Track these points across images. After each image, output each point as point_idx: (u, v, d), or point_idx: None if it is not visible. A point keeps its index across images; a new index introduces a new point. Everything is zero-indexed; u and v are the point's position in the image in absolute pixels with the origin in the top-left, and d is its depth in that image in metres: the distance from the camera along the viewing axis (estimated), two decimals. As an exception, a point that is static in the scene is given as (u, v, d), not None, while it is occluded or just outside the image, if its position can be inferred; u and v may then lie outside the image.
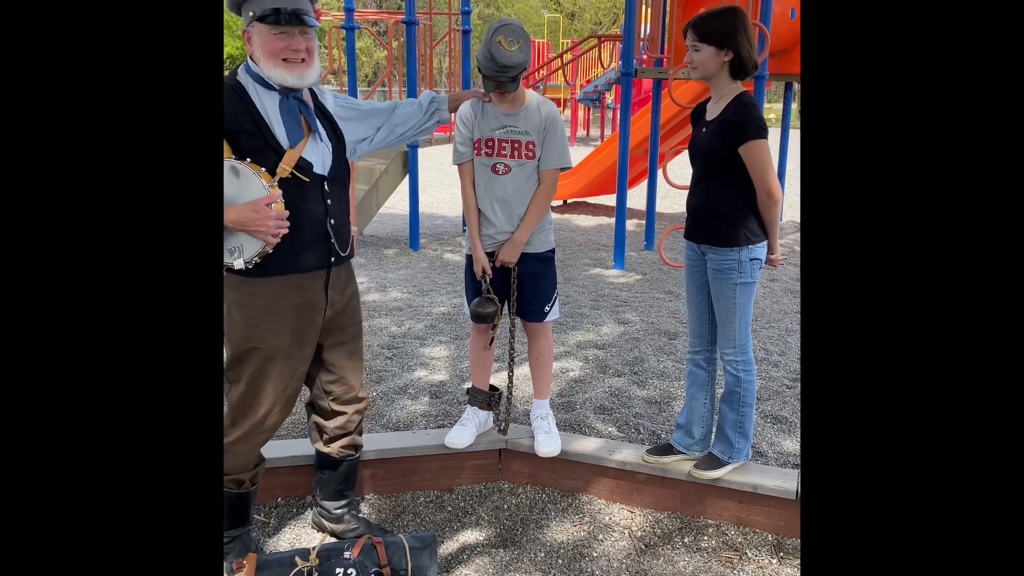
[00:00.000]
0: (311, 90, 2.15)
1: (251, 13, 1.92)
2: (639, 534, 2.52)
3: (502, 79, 2.44)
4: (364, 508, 2.66)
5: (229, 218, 1.89)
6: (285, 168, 1.97)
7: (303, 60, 1.98)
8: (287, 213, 1.96)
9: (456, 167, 2.72)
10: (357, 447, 2.41)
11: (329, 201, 2.09)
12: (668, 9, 6.36)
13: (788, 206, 8.92)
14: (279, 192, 1.94)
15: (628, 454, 2.69)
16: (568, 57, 13.73)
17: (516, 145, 2.58)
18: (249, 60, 2.01)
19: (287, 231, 1.97)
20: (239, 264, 1.95)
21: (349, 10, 6.79)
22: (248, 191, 1.91)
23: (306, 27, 1.97)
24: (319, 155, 2.06)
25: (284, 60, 1.95)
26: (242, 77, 2.00)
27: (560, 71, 13.85)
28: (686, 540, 2.49)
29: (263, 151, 1.96)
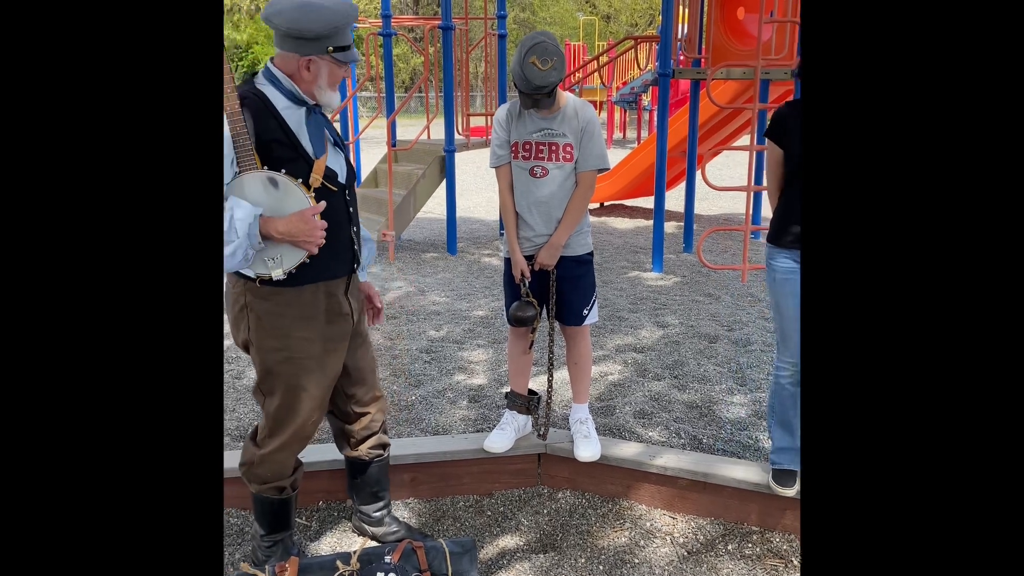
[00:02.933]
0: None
1: (330, 48, 1.98)
2: (681, 540, 2.48)
3: (537, 97, 2.45)
4: (404, 512, 2.66)
5: (278, 229, 1.91)
6: (316, 178, 2.00)
7: None
8: (326, 223, 1.99)
9: (493, 170, 2.71)
10: (385, 446, 2.42)
11: (351, 209, 2.15)
12: (705, 9, 6.29)
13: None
14: (323, 203, 1.97)
15: (669, 459, 2.65)
16: (604, 59, 13.68)
17: (554, 148, 2.57)
18: (279, 74, 2.00)
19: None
20: (277, 274, 1.97)
21: (386, 16, 6.85)
22: (290, 202, 1.94)
23: None
24: (339, 165, 2.11)
25: (336, 87, 2.09)
26: (264, 88, 2.01)
27: (596, 73, 13.80)
28: (730, 547, 2.44)
29: (295, 161, 1.98)
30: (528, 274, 2.65)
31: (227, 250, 1.86)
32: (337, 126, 7.36)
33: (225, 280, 2.11)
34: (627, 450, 2.73)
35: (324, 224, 1.96)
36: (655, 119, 16.68)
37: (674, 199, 9.21)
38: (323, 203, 1.97)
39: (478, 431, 3.08)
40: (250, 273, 1.99)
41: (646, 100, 16.41)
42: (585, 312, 2.72)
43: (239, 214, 1.86)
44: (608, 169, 2.68)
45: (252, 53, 25.42)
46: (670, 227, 7.74)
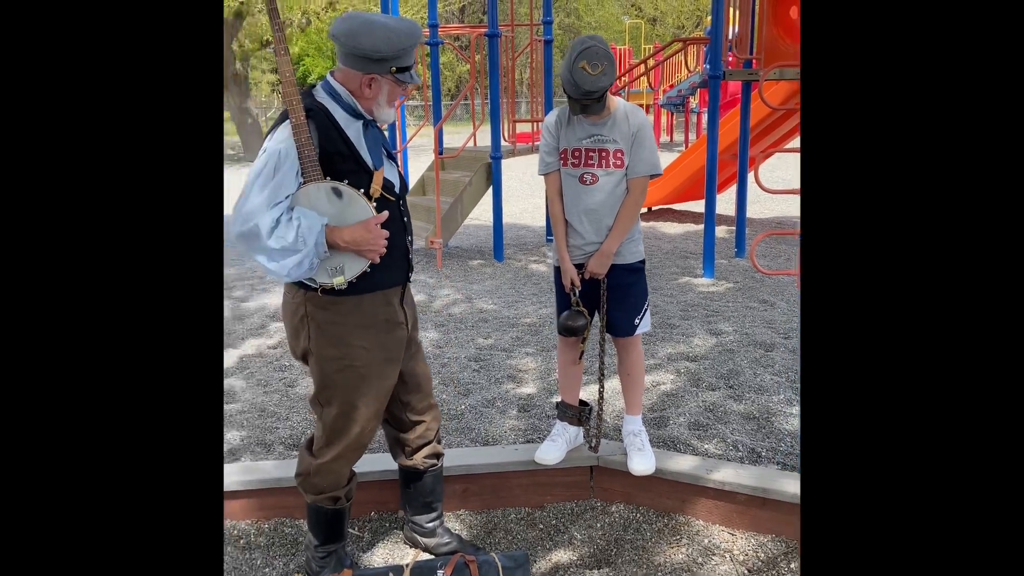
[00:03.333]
0: None
1: (393, 68, 2.00)
2: (741, 558, 2.40)
3: (587, 102, 2.40)
4: (455, 524, 2.64)
5: (344, 238, 1.93)
6: (376, 188, 2.03)
7: None
8: (388, 232, 2.01)
9: (540, 176, 2.68)
10: (439, 455, 2.41)
11: (405, 219, 2.16)
12: (757, 9, 6.16)
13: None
14: (386, 212, 2.00)
15: (727, 473, 2.57)
16: (651, 62, 13.54)
17: (604, 154, 2.52)
18: (340, 89, 2.02)
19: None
20: (340, 282, 1.99)
21: (433, 26, 6.89)
22: (354, 211, 1.96)
23: None
24: (394, 176, 2.13)
25: (395, 104, 2.12)
26: (324, 100, 2.02)
27: (644, 76, 13.67)
28: (792, 566, 2.35)
29: (357, 173, 2.01)
30: (578, 283, 2.61)
31: (294, 260, 1.89)
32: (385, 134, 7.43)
33: (284, 291, 2.13)
34: (683, 463, 2.66)
35: (386, 233, 1.99)
36: (702, 121, 16.49)
37: (724, 203, 9.04)
38: (386, 212, 2.00)
39: (528, 441, 3.04)
40: (312, 283, 2.00)
41: (693, 103, 16.18)
42: (637, 321, 2.66)
43: (306, 223, 1.89)
44: (660, 175, 2.62)
45: (303, 65, 25.91)
46: (721, 231, 7.59)
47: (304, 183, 1.93)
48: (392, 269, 2.11)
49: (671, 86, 15.80)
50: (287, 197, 1.92)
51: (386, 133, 2.23)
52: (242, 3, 11.96)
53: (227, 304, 5.26)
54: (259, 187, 1.90)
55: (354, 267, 1.99)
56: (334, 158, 1.97)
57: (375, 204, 2.00)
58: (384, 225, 2.01)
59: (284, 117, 1.95)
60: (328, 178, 1.95)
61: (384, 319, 2.11)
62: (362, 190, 1.98)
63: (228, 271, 6.22)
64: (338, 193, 1.95)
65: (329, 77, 2.06)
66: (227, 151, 18.35)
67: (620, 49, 18.23)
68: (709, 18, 8.00)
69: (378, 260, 2.01)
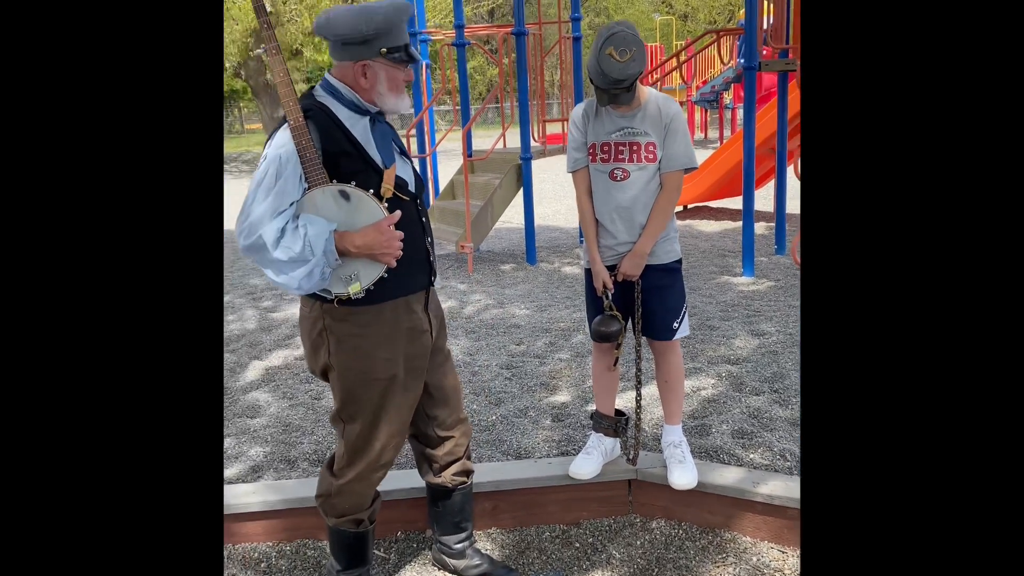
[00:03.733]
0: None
1: (383, 49, 1.87)
2: (793, 579, 2.23)
3: (616, 91, 2.25)
4: (486, 543, 2.50)
5: (355, 243, 1.81)
6: (388, 188, 1.89)
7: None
8: (402, 233, 1.88)
9: (571, 175, 2.53)
10: (469, 473, 2.26)
11: (424, 219, 2.02)
12: (792, -4, 5.93)
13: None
14: (398, 212, 1.86)
15: (776, 486, 2.39)
16: (683, 56, 13.28)
17: (635, 148, 2.37)
18: (337, 85, 1.92)
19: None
20: (356, 290, 1.86)
21: (460, 27, 6.77)
22: (363, 214, 1.83)
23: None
24: (408, 174, 2.00)
25: (401, 92, 1.97)
26: (325, 99, 1.92)
27: (676, 71, 13.42)
28: (850, 588, 2.16)
29: (365, 172, 1.88)
30: (611, 286, 2.45)
31: (303, 271, 1.77)
32: (414, 140, 7.35)
33: (300, 305, 2.02)
34: (727, 475, 2.49)
35: (401, 235, 1.86)
36: (736, 117, 16.15)
37: (762, 199, 8.77)
38: (398, 212, 1.86)
39: (562, 454, 2.89)
40: (327, 294, 1.88)
41: (727, 98, 15.85)
42: (675, 325, 2.49)
43: (313, 231, 1.77)
44: (695, 168, 2.46)
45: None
46: (759, 228, 7.35)
47: (309, 188, 1.81)
48: (412, 273, 1.98)
49: (704, 82, 15.51)
50: (291, 205, 1.80)
51: (415, 138, 2.07)
52: (270, 13, 12.03)
53: (254, 315, 5.21)
54: (261, 196, 1.79)
55: (370, 273, 1.86)
56: (339, 158, 1.84)
57: (386, 204, 1.87)
58: (399, 226, 1.87)
59: (284, 121, 1.84)
60: (334, 181, 1.83)
61: (408, 327, 1.99)
62: (372, 191, 1.85)
63: (255, 281, 6.18)
64: (345, 196, 1.82)
65: (327, 75, 1.95)
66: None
67: (651, 46, 17.97)
68: (742, 11, 7.77)
69: (394, 264, 1.87)
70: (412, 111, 2.17)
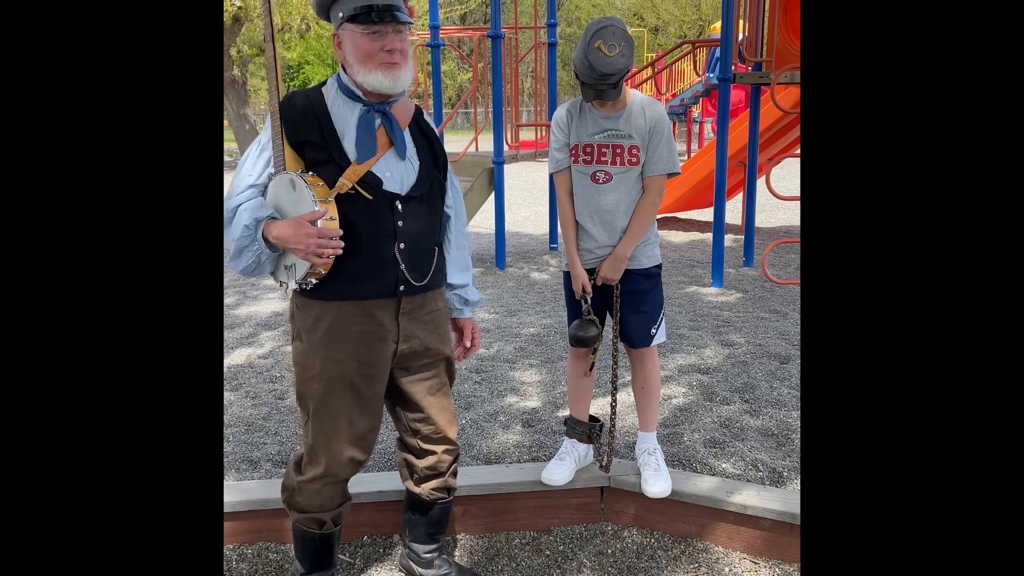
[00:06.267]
0: (416, 106, 2.03)
1: (340, 15, 1.77)
2: (766, 590, 2.20)
3: (602, 87, 2.21)
4: (454, 550, 2.44)
5: (272, 233, 1.75)
6: (345, 183, 1.78)
7: (396, 62, 1.79)
8: (339, 232, 1.74)
9: (542, 183, 2.49)
10: (450, 490, 2.17)
11: (401, 223, 1.84)
12: (767, 12, 6.00)
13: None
14: (326, 209, 1.72)
15: (750, 496, 2.37)
16: (656, 68, 13.38)
17: (618, 150, 2.34)
18: (341, 70, 1.86)
19: (339, 252, 1.74)
20: (292, 284, 1.81)
21: (435, 27, 6.71)
22: (303, 206, 1.74)
23: (400, 24, 1.78)
24: (397, 171, 1.86)
25: (380, 64, 1.77)
26: (328, 87, 1.87)
27: (650, 81, 13.49)
28: (823, 599, 2.15)
29: (326, 164, 1.80)
30: (590, 290, 2.42)
31: (235, 251, 1.76)
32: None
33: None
34: (701, 484, 2.47)
35: (323, 232, 1.70)
36: (704, 130, 16.32)
37: (729, 211, 8.86)
38: (325, 210, 1.71)
39: (533, 459, 2.84)
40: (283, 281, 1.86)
41: (695, 112, 16.00)
42: (653, 331, 2.47)
43: (248, 214, 1.74)
44: (679, 174, 2.43)
45: (303, 73, 25.75)
46: (727, 240, 7.42)
47: (275, 174, 1.79)
48: (367, 279, 1.83)
49: (673, 95, 15.64)
50: (250, 188, 1.79)
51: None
52: (240, 8, 11.82)
53: (218, 311, 5.07)
54: (235, 178, 1.80)
55: (302, 268, 1.76)
56: (303, 148, 1.79)
57: (331, 198, 1.74)
58: (360, 227, 1.78)
59: None
60: (300, 170, 1.78)
61: (360, 331, 1.86)
62: (322, 183, 1.76)
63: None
64: (293, 185, 1.75)
65: None
66: (225, 157, 18.23)
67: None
68: (714, 25, 7.85)
69: (318, 262, 1.72)
70: (397, 88, 1.87)
